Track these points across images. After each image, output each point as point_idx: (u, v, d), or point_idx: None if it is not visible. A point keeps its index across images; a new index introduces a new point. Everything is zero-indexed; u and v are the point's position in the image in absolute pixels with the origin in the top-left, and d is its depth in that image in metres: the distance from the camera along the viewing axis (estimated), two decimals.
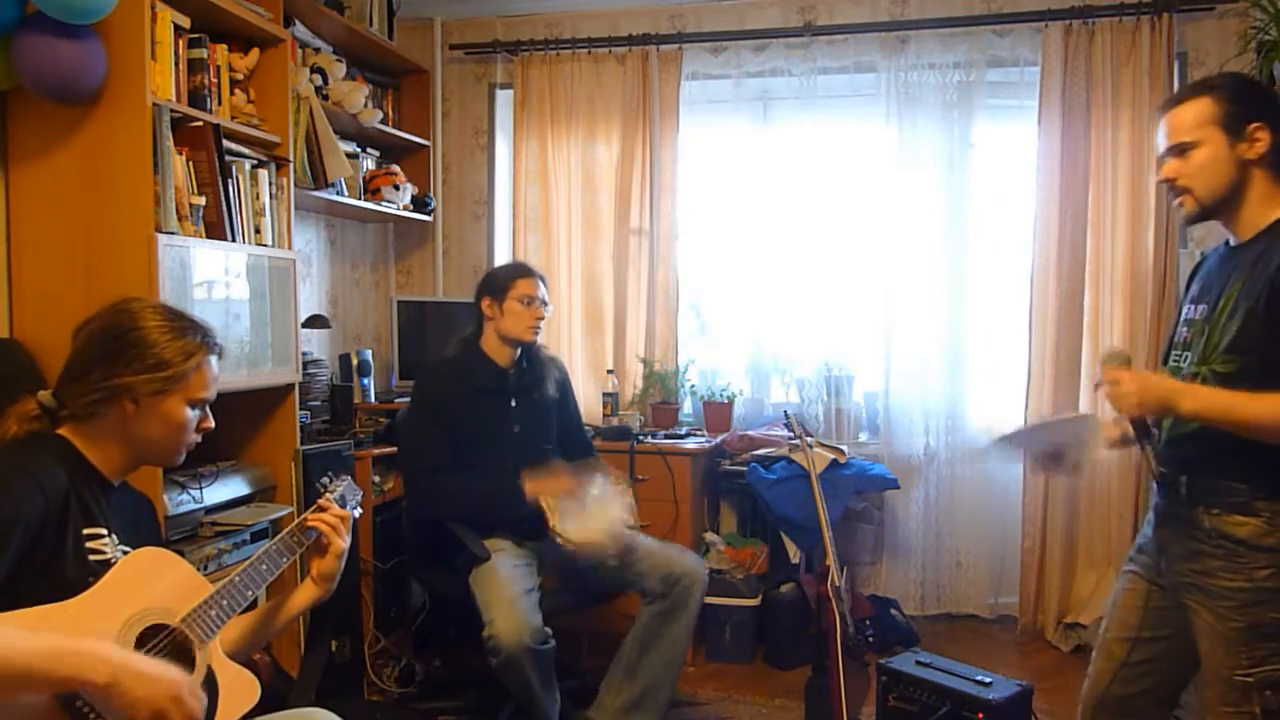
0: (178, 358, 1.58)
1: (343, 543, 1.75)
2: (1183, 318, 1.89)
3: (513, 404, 2.91)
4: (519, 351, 2.94)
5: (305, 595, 1.76)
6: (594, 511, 2.77)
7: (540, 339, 2.97)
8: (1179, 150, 1.78)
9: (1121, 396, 1.74)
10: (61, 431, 1.57)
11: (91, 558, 1.50)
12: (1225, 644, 1.73)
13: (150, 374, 1.56)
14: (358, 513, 1.93)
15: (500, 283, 2.90)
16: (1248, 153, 1.74)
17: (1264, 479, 1.69)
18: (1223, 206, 1.79)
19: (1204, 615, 1.76)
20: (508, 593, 2.54)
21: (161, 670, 1.30)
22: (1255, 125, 1.74)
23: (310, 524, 1.73)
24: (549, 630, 2.53)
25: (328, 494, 1.86)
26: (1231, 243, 1.84)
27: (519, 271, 2.94)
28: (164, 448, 1.63)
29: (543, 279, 2.94)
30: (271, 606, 1.77)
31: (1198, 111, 1.76)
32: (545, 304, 2.92)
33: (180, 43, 2.56)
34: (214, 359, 1.66)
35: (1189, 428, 1.77)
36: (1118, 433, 1.95)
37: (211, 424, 1.68)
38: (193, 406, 1.62)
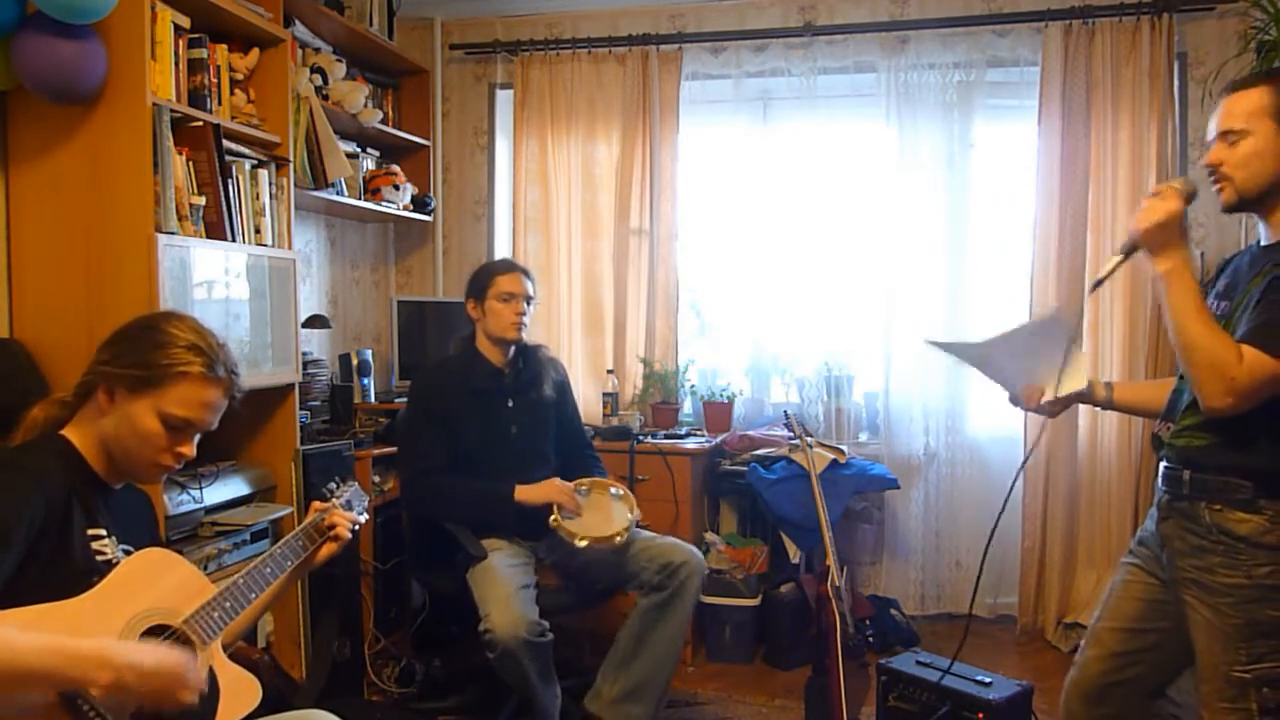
0: (162, 361, 1.52)
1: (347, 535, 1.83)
2: None
3: (509, 404, 2.91)
4: (513, 351, 2.93)
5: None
6: (595, 512, 2.78)
7: (527, 336, 2.93)
8: (1228, 137, 1.73)
9: (1151, 208, 1.73)
10: (65, 432, 1.56)
11: (96, 558, 1.50)
12: (1223, 640, 1.73)
13: (130, 369, 1.53)
14: (364, 518, 1.93)
15: (480, 283, 2.88)
16: None
17: (1270, 477, 1.69)
18: (1261, 200, 1.74)
19: (1202, 610, 1.75)
20: (503, 588, 2.54)
21: (160, 661, 1.32)
22: None
23: (329, 521, 1.80)
24: (545, 623, 2.53)
25: (334, 499, 1.86)
26: (1263, 241, 1.80)
27: (497, 269, 2.91)
28: (131, 456, 1.55)
29: (525, 272, 2.90)
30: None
31: (1252, 100, 1.70)
32: (529, 299, 2.87)
33: (180, 43, 2.56)
34: (211, 388, 1.56)
35: (1196, 421, 1.76)
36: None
37: (191, 453, 1.58)
38: (166, 423, 1.53)
